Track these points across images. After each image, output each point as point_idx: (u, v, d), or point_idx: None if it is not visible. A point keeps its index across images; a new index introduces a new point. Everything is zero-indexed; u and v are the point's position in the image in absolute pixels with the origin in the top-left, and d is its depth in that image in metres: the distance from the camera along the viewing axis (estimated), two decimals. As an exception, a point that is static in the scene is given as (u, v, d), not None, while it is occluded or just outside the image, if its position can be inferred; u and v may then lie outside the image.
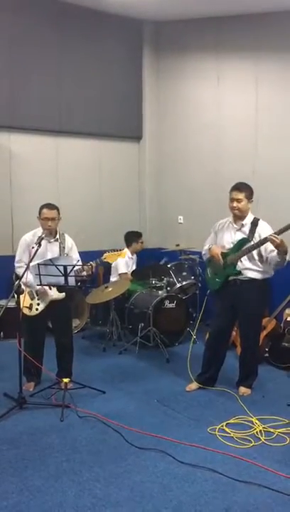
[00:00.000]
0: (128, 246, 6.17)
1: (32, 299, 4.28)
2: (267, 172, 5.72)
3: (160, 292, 5.64)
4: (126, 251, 6.06)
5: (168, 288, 5.79)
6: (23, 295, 4.15)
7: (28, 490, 2.88)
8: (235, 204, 4.10)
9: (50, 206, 4.25)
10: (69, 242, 4.41)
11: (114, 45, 6.72)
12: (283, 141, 5.65)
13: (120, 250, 5.06)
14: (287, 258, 4.00)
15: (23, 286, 4.08)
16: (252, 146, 5.93)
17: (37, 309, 4.26)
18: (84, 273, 4.15)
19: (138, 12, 6.43)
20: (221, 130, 6.29)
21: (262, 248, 4.03)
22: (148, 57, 7.04)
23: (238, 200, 4.09)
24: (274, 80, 5.72)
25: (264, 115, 5.84)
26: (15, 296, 3.94)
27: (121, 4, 5.90)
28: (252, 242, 4.04)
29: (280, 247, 3.86)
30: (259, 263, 4.10)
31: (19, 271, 4.29)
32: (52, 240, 4.30)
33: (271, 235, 3.86)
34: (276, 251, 3.93)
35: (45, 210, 4.23)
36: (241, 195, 4.08)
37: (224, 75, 6.23)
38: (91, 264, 4.16)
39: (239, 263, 4.09)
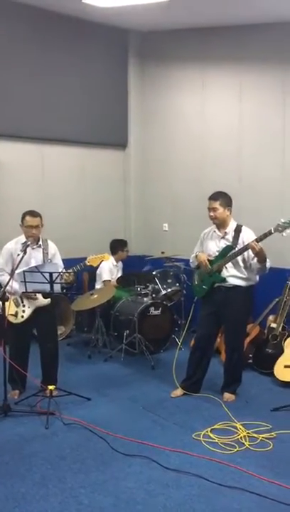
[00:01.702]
0: (113, 254, 6.18)
1: (17, 306, 4.27)
2: (252, 180, 5.81)
3: (145, 299, 5.66)
4: (110, 256, 6.06)
5: (153, 295, 5.82)
6: (8, 303, 4.15)
7: (12, 497, 2.87)
8: (212, 213, 4.18)
9: (33, 214, 4.25)
10: (52, 248, 4.42)
11: (99, 53, 6.77)
12: (266, 150, 5.75)
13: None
14: (267, 265, 4.07)
15: (7, 294, 4.07)
16: (237, 155, 6.02)
17: (22, 316, 4.26)
18: (63, 280, 4.14)
19: (124, 21, 6.50)
20: (206, 139, 6.37)
21: (246, 254, 4.09)
22: (134, 66, 7.10)
23: (214, 209, 4.16)
24: (258, 89, 5.84)
25: (248, 124, 5.94)
26: (0, 303, 3.93)
27: (106, 13, 5.95)
28: (236, 249, 4.10)
29: (259, 255, 3.93)
30: (243, 270, 4.16)
31: (1, 279, 4.29)
32: (35, 247, 4.30)
33: (250, 243, 3.93)
34: (256, 258, 4.00)
35: (28, 218, 4.23)
36: (216, 204, 4.15)
37: (209, 84, 6.32)
38: (70, 272, 4.18)
39: (224, 270, 4.15)
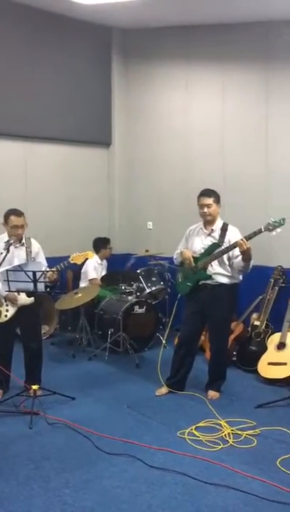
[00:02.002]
0: (96, 252, 6.16)
1: (0, 305, 4.23)
2: (236, 178, 5.83)
3: (129, 298, 5.65)
4: (93, 254, 6.04)
5: (138, 293, 5.81)
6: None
7: (-4, 498, 2.85)
8: (206, 210, 4.16)
9: (17, 213, 4.20)
10: (35, 246, 4.38)
11: (83, 51, 6.74)
12: (250, 148, 5.78)
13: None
14: (251, 265, 4.09)
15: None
16: (220, 153, 6.04)
17: (6, 316, 4.22)
18: (46, 279, 4.11)
19: (107, 19, 6.47)
20: (190, 137, 6.39)
21: (230, 252, 4.10)
22: (117, 63, 7.08)
23: (208, 206, 4.16)
24: (241, 88, 5.87)
25: (231, 123, 5.96)
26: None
27: (89, 10, 5.92)
28: (223, 247, 4.11)
29: (246, 253, 3.94)
30: (228, 268, 4.17)
31: None
32: (18, 245, 4.26)
33: (239, 240, 3.94)
34: (240, 256, 4.01)
35: (13, 218, 4.18)
36: (210, 200, 4.16)
37: (193, 82, 6.33)
38: (54, 270, 4.16)
39: (209, 267, 4.15)
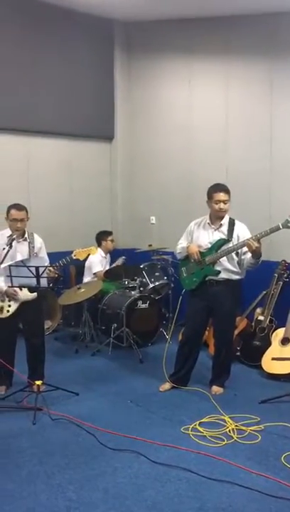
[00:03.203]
0: (98, 245, 6.14)
1: (2, 301, 4.21)
2: (239, 173, 5.78)
3: (133, 293, 5.64)
4: (97, 249, 6.02)
5: (141, 288, 5.79)
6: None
7: (0, 494, 2.84)
8: (222, 205, 4.10)
9: (18, 207, 4.19)
10: (38, 241, 4.37)
11: (84, 44, 6.68)
12: (253, 143, 5.73)
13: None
14: (260, 261, 4.05)
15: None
16: (223, 147, 6.00)
17: (8, 311, 4.21)
18: (46, 275, 4.09)
19: (109, 12, 6.41)
20: (193, 131, 6.34)
21: (240, 250, 4.06)
22: (120, 57, 7.03)
23: (225, 202, 4.11)
24: (244, 81, 5.80)
25: (234, 116, 5.91)
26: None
27: (91, 3, 5.87)
28: (231, 243, 4.07)
29: (256, 252, 3.91)
30: (236, 264, 4.14)
31: None
32: (21, 240, 4.25)
33: (248, 240, 3.90)
34: (250, 254, 3.98)
35: (13, 211, 4.17)
36: (227, 196, 4.12)
37: (196, 76, 6.28)
38: (57, 265, 4.14)
39: (217, 263, 4.11)
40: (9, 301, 4.21)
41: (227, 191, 4.13)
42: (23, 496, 2.83)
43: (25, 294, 4.20)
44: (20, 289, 4.16)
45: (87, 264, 5.94)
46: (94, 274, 5.94)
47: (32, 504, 2.76)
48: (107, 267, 6.13)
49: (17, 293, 4.16)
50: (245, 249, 3.99)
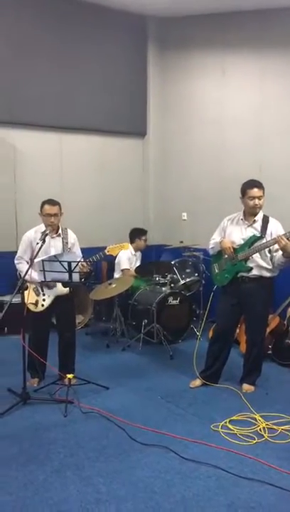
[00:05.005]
0: (131, 242, 6.17)
1: (37, 295, 4.29)
2: (272, 169, 5.70)
3: (163, 289, 5.64)
4: (129, 246, 6.05)
5: (172, 285, 5.79)
6: (28, 291, 4.18)
7: (32, 484, 2.90)
8: (257, 202, 4.06)
9: (51, 202, 4.25)
10: (72, 237, 4.42)
11: (118, 41, 6.71)
12: (288, 137, 5.63)
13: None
14: None
15: (26, 283, 4.09)
16: (257, 143, 5.92)
17: (42, 305, 4.28)
18: (78, 270, 4.13)
19: (143, 8, 6.42)
20: (226, 126, 6.28)
21: (272, 247, 4.01)
22: (153, 53, 7.02)
23: (259, 198, 4.07)
24: (279, 75, 5.72)
25: (268, 110, 5.83)
26: (20, 292, 3.95)
27: (125, 0, 5.88)
28: (265, 240, 4.03)
29: (285, 249, 3.85)
30: (269, 261, 4.09)
31: (19, 267, 4.31)
32: (54, 236, 4.31)
33: (279, 236, 3.85)
34: (281, 252, 3.92)
35: (46, 207, 4.23)
36: (261, 192, 4.07)
37: (229, 70, 6.21)
38: (90, 261, 4.18)
39: (250, 259, 4.08)
40: (44, 295, 4.28)
41: (261, 187, 4.07)
42: (55, 486, 2.88)
43: (60, 289, 4.26)
44: (55, 284, 4.22)
45: (116, 260, 5.98)
46: (122, 271, 5.96)
47: (62, 495, 2.80)
48: (138, 264, 6.15)
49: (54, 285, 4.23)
50: (276, 246, 3.93)
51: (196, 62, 6.60)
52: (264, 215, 4.15)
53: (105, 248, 4.53)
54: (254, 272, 4.08)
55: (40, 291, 4.29)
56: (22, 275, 4.10)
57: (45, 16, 6.12)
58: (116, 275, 6.02)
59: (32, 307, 4.27)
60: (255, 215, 4.14)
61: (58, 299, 4.30)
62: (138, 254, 6.29)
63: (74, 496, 2.80)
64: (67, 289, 4.25)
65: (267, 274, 4.11)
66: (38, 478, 2.97)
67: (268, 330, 4.93)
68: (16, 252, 4.46)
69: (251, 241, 4.07)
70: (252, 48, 5.93)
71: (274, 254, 4.04)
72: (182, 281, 5.93)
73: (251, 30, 5.89)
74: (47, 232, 4.16)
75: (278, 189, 5.54)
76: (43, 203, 4.26)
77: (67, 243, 4.33)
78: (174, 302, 5.55)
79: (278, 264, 4.06)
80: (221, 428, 3.57)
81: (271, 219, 4.14)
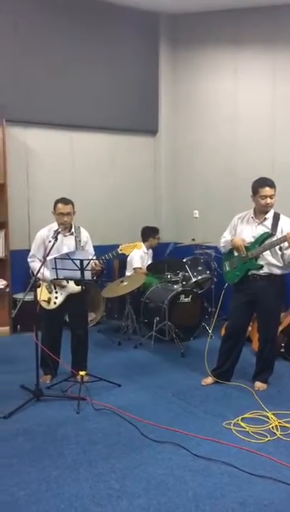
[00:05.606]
0: (144, 241, 6.18)
1: (50, 292, 4.32)
2: (285, 166, 5.66)
3: (175, 286, 5.64)
4: (142, 244, 6.06)
5: (184, 282, 5.79)
6: (40, 289, 4.21)
7: (45, 480, 2.92)
8: (269, 200, 4.04)
9: (64, 201, 4.27)
10: (84, 235, 4.43)
11: (129, 38, 6.70)
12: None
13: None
14: None
15: (39, 281, 4.12)
16: (270, 140, 5.88)
17: (55, 303, 4.31)
18: (89, 267, 4.14)
19: (154, 5, 6.41)
20: (238, 123, 6.25)
21: (282, 244, 4.00)
22: (165, 50, 7.01)
23: (271, 197, 4.04)
24: (292, 72, 5.67)
25: (281, 107, 5.78)
26: (33, 289, 3.98)
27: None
28: (275, 237, 4.01)
29: None
30: (280, 258, 4.08)
31: (32, 265, 4.35)
32: (67, 234, 4.33)
33: (289, 234, 3.83)
34: None
35: (60, 205, 4.25)
36: (274, 191, 4.05)
37: (242, 67, 6.18)
38: (102, 259, 4.20)
39: (260, 257, 4.06)
40: (56, 292, 4.31)
41: (272, 186, 4.05)
42: (67, 482, 2.90)
43: (72, 287, 4.29)
44: (67, 282, 4.25)
45: (128, 258, 5.99)
46: (134, 269, 5.97)
47: (75, 491, 2.82)
48: (150, 261, 6.16)
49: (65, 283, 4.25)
50: (287, 244, 3.92)
51: (208, 59, 6.57)
52: (275, 213, 4.14)
53: (117, 246, 4.54)
54: (265, 270, 4.07)
55: (53, 288, 4.31)
56: (35, 273, 4.13)
57: (56, 14, 6.14)
58: (128, 273, 6.04)
59: (44, 304, 4.31)
60: (266, 213, 4.12)
61: (70, 297, 4.32)
62: (150, 252, 6.30)
63: (87, 492, 2.82)
64: (80, 287, 4.27)
65: (278, 272, 4.10)
66: (51, 474, 2.99)
67: (280, 328, 4.91)
68: (29, 250, 4.49)
69: (262, 239, 4.05)
70: (265, 45, 5.88)
71: (285, 251, 4.02)
72: (194, 279, 5.93)
73: (264, 27, 5.84)
74: (60, 230, 4.19)
75: (286, 187, 5.50)
76: (56, 202, 4.28)
77: (80, 241, 4.35)
78: (186, 300, 5.55)
79: (289, 262, 4.04)
80: (233, 426, 3.57)
81: (282, 216, 4.11)
